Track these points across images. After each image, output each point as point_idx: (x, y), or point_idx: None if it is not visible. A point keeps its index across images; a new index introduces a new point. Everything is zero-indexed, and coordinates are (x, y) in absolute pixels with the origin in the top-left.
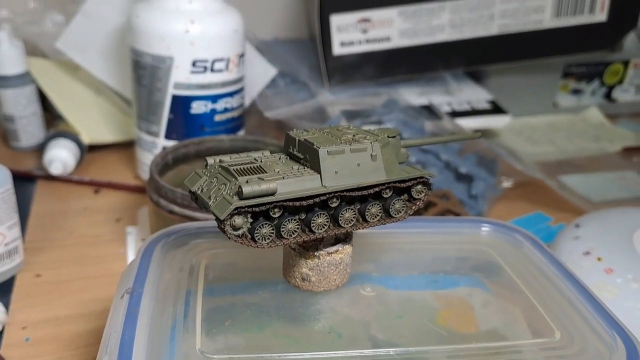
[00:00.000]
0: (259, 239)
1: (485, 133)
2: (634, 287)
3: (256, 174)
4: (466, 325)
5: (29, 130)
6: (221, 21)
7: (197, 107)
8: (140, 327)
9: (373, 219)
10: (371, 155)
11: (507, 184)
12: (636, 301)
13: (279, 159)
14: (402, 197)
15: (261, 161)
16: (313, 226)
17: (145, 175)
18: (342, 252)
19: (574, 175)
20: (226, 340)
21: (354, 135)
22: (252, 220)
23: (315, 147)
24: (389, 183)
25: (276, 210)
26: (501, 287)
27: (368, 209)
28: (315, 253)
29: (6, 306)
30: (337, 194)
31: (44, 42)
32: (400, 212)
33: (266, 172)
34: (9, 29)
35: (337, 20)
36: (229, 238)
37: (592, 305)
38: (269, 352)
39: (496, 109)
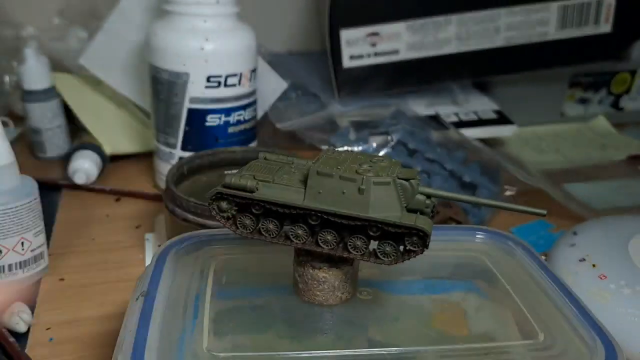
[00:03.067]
0: (240, 226)
1: (491, 142)
2: (627, 292)
3: (266, 174)
4: (459, 328)
5: (55, 142)
6: (234, 39)
7: (212, 120)
8: (153, 328)
9: (356, 251)
10: (359, 188)
11: (510, 192)
12: (628, 307)
13: (300, 169)
14: (395, 242)
15: (282, 167)
16: (291, 235)
17: (163, 184)
18: (326, 273)
19: (579, 184)
20: (233, 340)
21: (360, 165)
22: (236, 208)
23: (313, 164)
24: (370, 221)
25: (257, 207)
26: (494, 292)
27: (351, 239)
28: (303, 262)
29: (31, 308)
30: (314, 212)
31: (68, 58)
32: (388, 256)
33: (271, 175)
34: (36, 45)
35: (346, 35)
36: (216, 218)
37: (577, 309)
38: (272, 351)
39: (502, 118)
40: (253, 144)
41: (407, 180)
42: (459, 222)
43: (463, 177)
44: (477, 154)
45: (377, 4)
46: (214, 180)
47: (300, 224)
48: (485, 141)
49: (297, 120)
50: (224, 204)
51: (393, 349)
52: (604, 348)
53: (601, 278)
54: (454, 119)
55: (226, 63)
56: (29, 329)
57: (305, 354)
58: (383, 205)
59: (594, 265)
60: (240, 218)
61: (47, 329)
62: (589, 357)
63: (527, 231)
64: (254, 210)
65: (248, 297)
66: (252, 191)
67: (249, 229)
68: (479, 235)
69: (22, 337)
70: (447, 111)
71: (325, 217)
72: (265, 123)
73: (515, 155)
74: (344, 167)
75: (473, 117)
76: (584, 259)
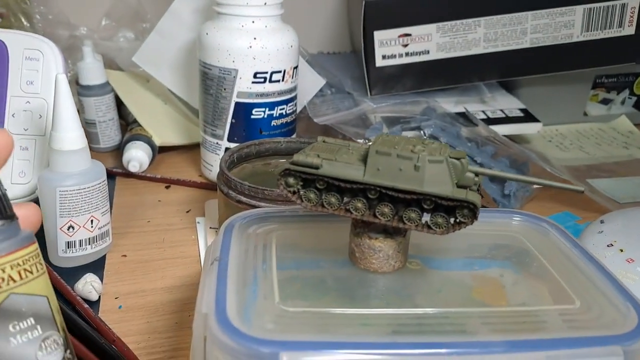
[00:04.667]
0: (304, 199)
1: (517, 139)
2: None
3: (328, 153)
4: (498, 300)
5: (107, 133)
6: (279, 38)
7: (257, 113)
8: (229, 286)
9: (410, 222)
10: (415, 165)
11: (537, 185)
12: None
13: (357, 150)
14: (447, 215)
15: (340, 149)
16: (351, 207)
17: (208, 173)
18: (382, 242)
19: (602, 179)
20: (294, 303)
21: (414, 146)
22: (302, 184)
23: (371, 145)
24: (425, 195)
25: (321, 182)
26: (530, 268)
27: (406, 212)
28: (360, 233)
29: (100, 280)
30: (373, 187)
31: (120, 57)
32: (440, 227)
33: (333, 154)
34: (91, 44)
35: (379, 36)
36: (283, 192)
37: (610, 281)
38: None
39: (528, 116)
40: (293, 136)
41: (457, 159)
42: None
43: (485, 175)
44: (505, 149)
45: (409, 7)
46: (259, 168)
47: (360, 198)
48: (511, 138)
49: (332, 116)
50: (291, 180)
51: (441, 309)
52: (637, 314)
53: (629, 262)
54: (482, 116)
55: (272, 60)
56: (99, 297)
57: (364, 310)
58: (436, 181)
59: (621, 250)
60: (305, 192)
61: (116, 298)
62: (623, 322)
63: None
64: (318, 186)
65: (306, 267)
66: (317, 168)
67: (313, 202)
68: (516, 218)
69: (94, 305)
70: (474, 109)
71: (384, 191)
72: (301, 117)
73: (540, 151)
74: (399, 147)
75: (500, 114)
76: (611, 245)
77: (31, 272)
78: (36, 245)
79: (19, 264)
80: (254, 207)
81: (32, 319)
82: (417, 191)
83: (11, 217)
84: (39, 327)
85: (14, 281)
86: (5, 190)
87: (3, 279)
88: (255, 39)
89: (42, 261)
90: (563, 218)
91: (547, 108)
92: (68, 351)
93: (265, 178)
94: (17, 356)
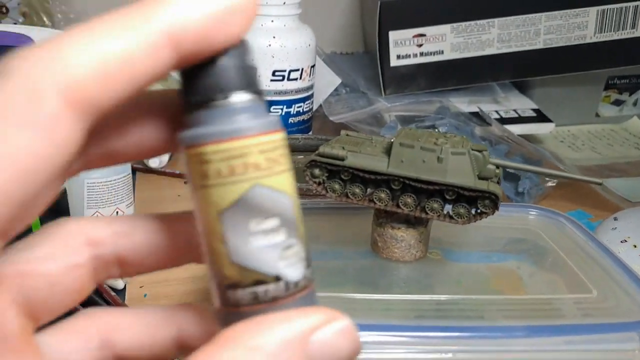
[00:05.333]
0: (329, 190)
1: (529, 139)
2: None
3: (352, 145)
4: (515, 290)
5: None
6: (297, 37)
7: (274, 111)
8: None
9: (432, 213)
10: (438, 157)
11: (551, 183)
12: None
13: (380, 143)
14: (468, 205)
15: (363, 142)
16: (375, 198)
17: None
18: (404, 232)
19: (614, 179)
20: (318, 290)
21: (437, 139)
22: (327, 175)
23: (395, 138)
24: (447, 185)
25: (345, 174)
26: (546, 261)
27: (428, 202)
28: (383, 223)
29: None
30: (397, 178)
31: None
32: (462, 217)
33: (357, 147)
34: None
35: (394, 36)
36: (309, 182)
37: (626, 273)
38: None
39: (541, 116)
40: (309, 134)
41: (479, 152)
42: None
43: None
44: (519, 147)
45: (424, 8)
46: None
47: (383, 189)
48: (524, 138)
49: (347, 114)
50: (316, 171)
51: (461, 296)
52: None
53: None
54: (495, 116)
55: (290, 59)
56: (125, 286)
57: (387, 296)
58: (459, 172)
59: (634, 246)
60: (330, 183)
61: (140, 287)
62: (638, 310)
63: None
64: (342, 177)
65: (329, 258)
66: (342, 159)
67: (337, 193)
68: (532, 213)
69: (120, 293)
70: (488, 109)
71: (407, 182)
72: (315, 116)
73: (552, 151)
74: (422, 140)
75: (513, 114)
76: (625, 241)
77: (279, 163)
78: (284, 134)
79: (267, 150)
80: None
81: (277, 220)
82: (440, 182)
83: (260, 93)
84: (283, 231)
85: (261, 169)
86: (254, 64)
87: (250, 164)
88: (274, 37)
89: (290, 156)
90: (576, 216)
91: (559, 109)
92: (309, 269)
93: None
94: (256, 260)
